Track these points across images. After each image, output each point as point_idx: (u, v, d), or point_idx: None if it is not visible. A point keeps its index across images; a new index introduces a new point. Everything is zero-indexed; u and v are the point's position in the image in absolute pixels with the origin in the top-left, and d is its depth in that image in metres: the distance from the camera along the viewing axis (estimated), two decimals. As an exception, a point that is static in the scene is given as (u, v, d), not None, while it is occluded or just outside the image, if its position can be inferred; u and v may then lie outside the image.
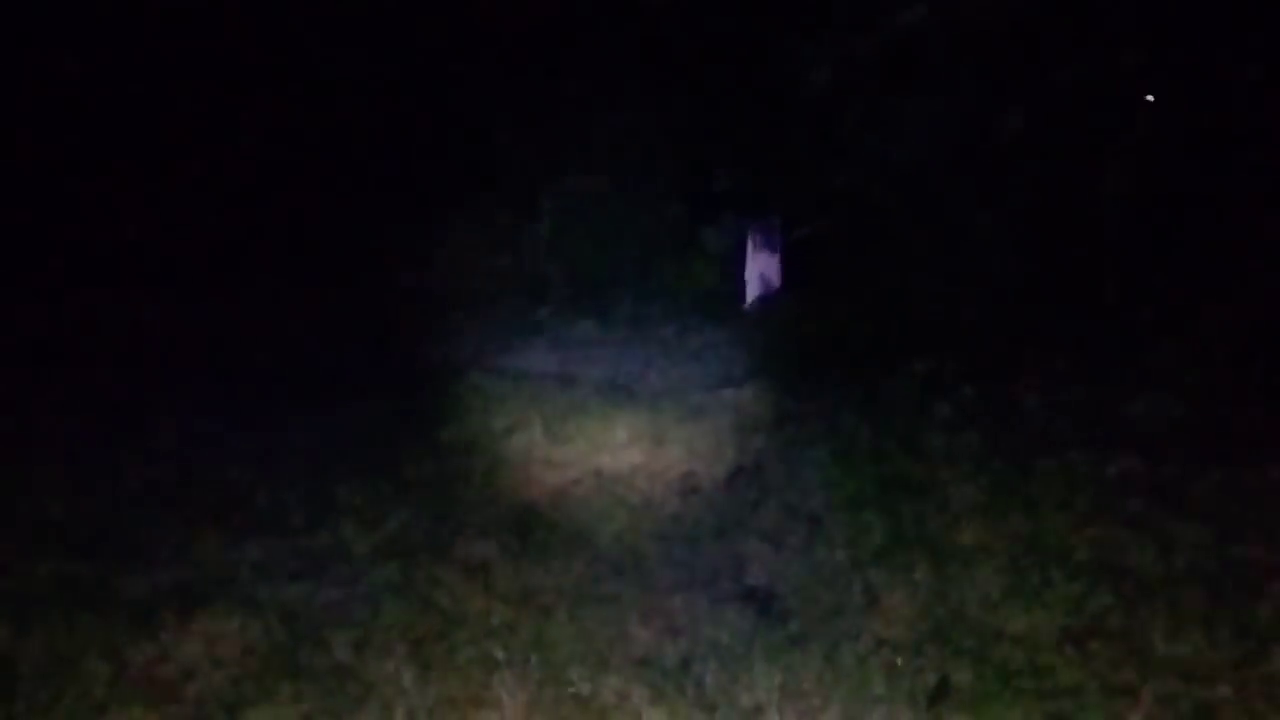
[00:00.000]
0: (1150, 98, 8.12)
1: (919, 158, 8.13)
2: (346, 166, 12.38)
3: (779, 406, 7.24)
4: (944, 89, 7.96)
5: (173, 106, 11.53)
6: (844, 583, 4.90)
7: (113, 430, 7.31)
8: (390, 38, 11.91)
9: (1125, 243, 8.12)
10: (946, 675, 4.06)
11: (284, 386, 8.33)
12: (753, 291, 10.91)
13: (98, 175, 11.44)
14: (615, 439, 6.81)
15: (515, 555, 5.36)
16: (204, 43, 11.41)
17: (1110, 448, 6.13)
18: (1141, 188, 8.04)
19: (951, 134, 8.02)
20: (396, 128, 12.70)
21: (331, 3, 11.73)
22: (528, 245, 12.45)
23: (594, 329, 10.72)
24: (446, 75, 12.41)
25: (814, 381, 7.71)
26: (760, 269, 10.94)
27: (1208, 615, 4.47)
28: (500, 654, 4.32)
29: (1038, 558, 5.00)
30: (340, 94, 11.82)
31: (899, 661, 4.17)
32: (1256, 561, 4.91)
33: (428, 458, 6.69)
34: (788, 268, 10.85)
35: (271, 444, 7.04)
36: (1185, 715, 3.80)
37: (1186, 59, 7.55)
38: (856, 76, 7.76)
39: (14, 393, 8.04)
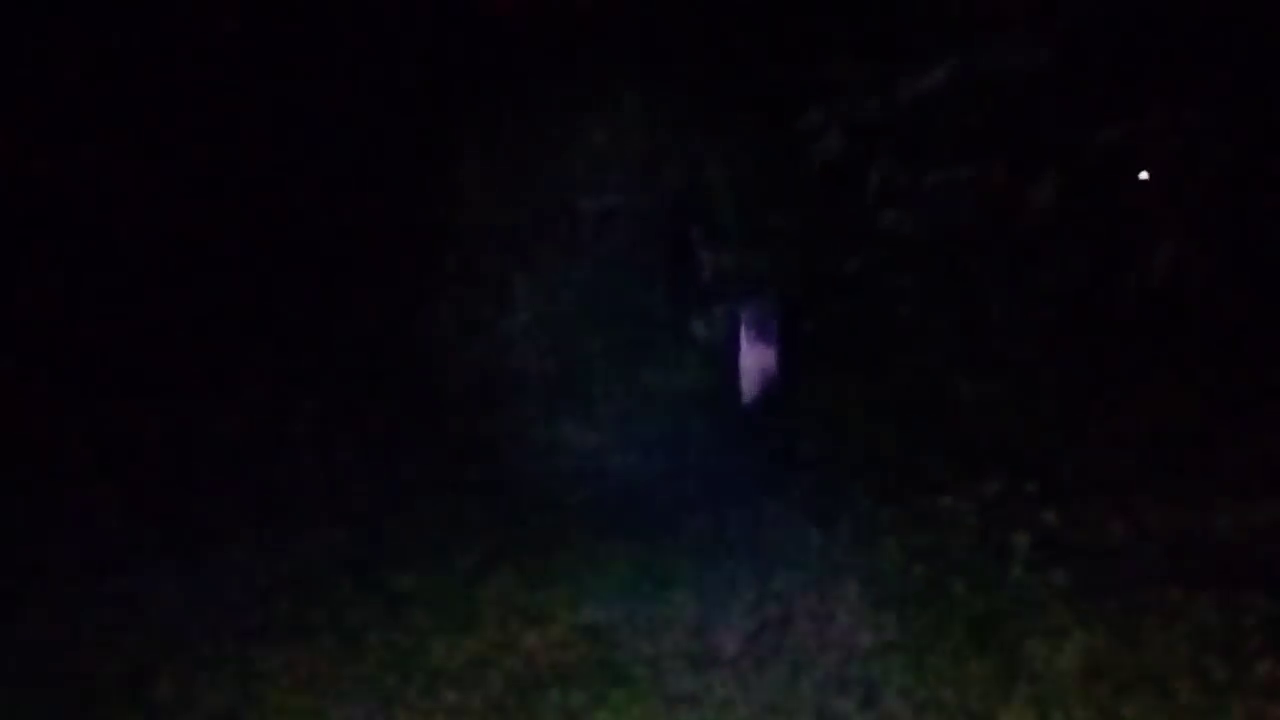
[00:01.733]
0: (1144, 175, 6.94)
1: (941, 234, 6.88)
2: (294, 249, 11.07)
3: (799, 536, 5.87)
4: (968, 156, 6.74)
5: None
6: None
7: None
8: (344, 121, 10.66)
9: (1180, 329, 6.87)
10: None
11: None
12: (749, 388, 9.62)
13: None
14: (607, 585, 5.40)
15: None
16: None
17: (1217, 584, 4.80)
18: (1193, 266, 6.80)
19: (976, 207, 6.79)
20: (360, 209, 11.40)
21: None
22: (504, 338, 11.12)
23: (575, 433, 9.38)
24: (413, 146, 11.17)
25: (834, 501, 6.36)
26: (756, 362, 9.67)
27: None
28: None
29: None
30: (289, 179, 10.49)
31: None
32: None
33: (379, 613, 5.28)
34: (787, 360, 9.59)
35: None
36: None
37: (1245, 116, 6.36)
38: (870, 144, 6.53)
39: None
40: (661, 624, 4.97)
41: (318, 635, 5.09)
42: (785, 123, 7.29)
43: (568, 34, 9.94)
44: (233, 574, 5.92)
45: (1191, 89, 6.41)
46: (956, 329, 7.24)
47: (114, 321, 9.83)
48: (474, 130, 10.79)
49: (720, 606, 5.06)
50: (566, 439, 9.43)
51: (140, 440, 8.74)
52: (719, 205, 10.01)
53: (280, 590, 5.67)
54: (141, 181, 10.17)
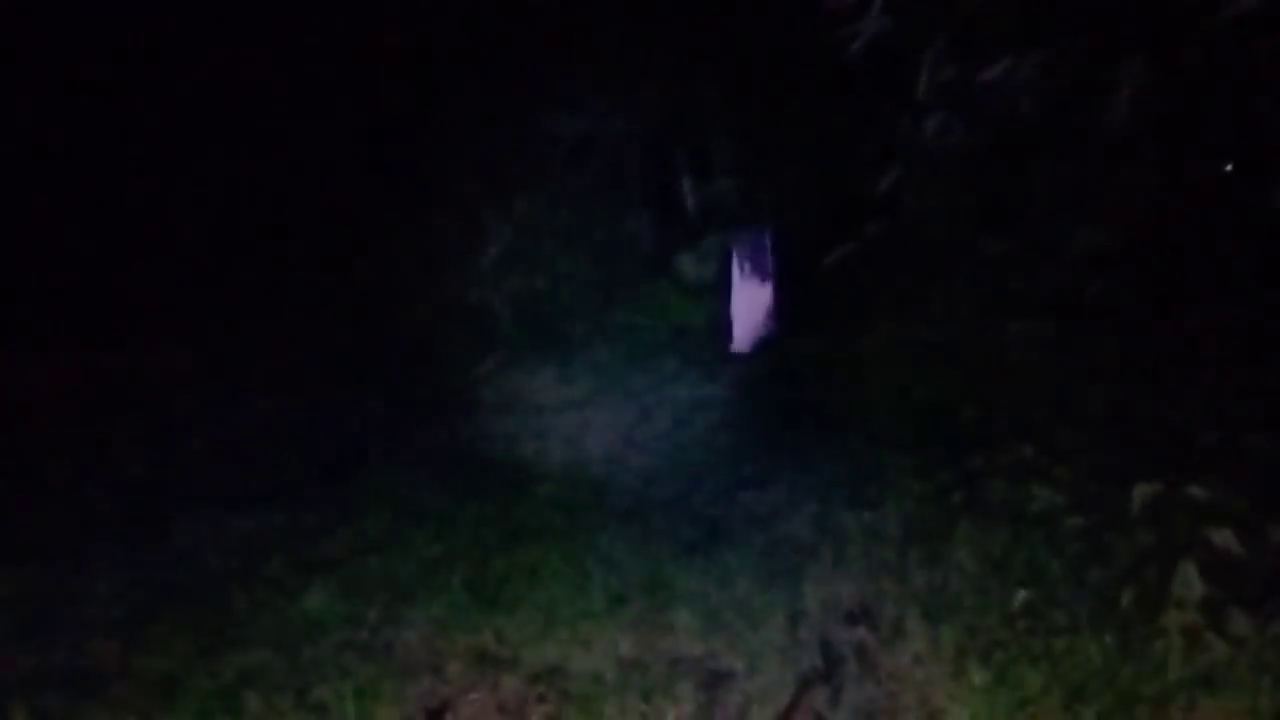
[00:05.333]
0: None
1: (998, 143, 5.09)
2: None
3: (824, 520, 4.15)
4: (1038, 39, 4.93)
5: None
6: None
7: None
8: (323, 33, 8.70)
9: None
10: None
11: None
12: (741, 331, 7.86)
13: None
14: (590, 611, 3.65)
15: None
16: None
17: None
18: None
19: (1044, 105, 4.97)
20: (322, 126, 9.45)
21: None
22: (471, 275, 9.26)
23: (549, 384, 7.59)
24: (379, 70, 9.22)
25: (857, 471, 4.63)
26: (749, 301, 7.91)
27: None
28: None
29: None
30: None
31: None
32: None
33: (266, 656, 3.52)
34: (789, 299, 7.84)
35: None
36: None
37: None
38: (928, 21, 4.71)
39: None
40: (664, 681, 3.24)
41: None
42: (806, 10, 5.38)
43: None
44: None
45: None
46: (1011, 260, 5.45)
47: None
48: (445, 49, 8.91)
49: (727, 640, 3.35)
50: (537, 392, 7.67)
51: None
52: (710, 124, 8.18)
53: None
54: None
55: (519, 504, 4.81)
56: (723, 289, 8.15)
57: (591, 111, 8.64)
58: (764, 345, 7.81)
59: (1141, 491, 3.46)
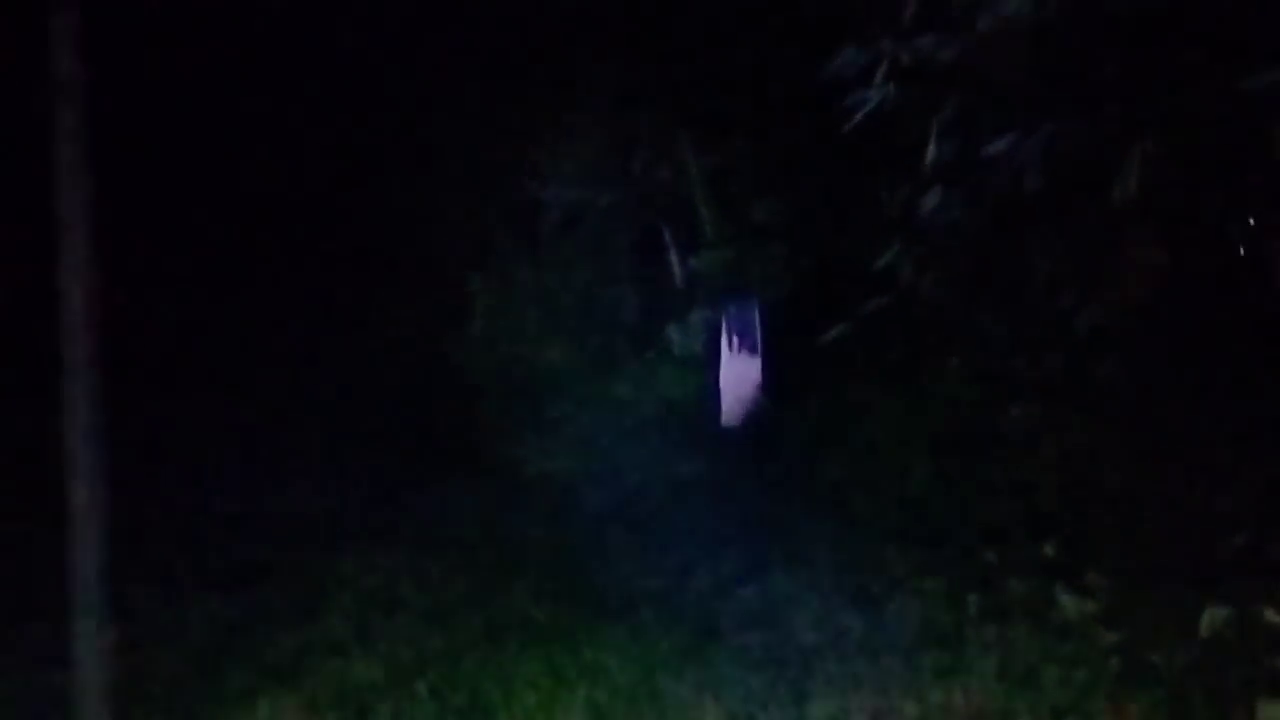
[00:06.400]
0: None
1: (1000, 219, 4.78)
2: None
3: (826, 620, 3.73)
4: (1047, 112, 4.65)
5: None
6: None
7: None
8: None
9: None
10: None
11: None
12: (729, 405, 7.50)
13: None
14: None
15: None
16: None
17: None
18: None
19: (1049, 181, 4.66)
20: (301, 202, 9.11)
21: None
22: (457, 344, 8.88)
23: (534, 456, 7.18)
24: (367, 136, 8.94)
25: (858, 563, 4.23)
26: (738, 375, 7.56)
27: None
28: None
29: None
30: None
31: None
32: None
33: None
34: (776, 373, 7.49)
35: None
36: None
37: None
38: (935, 92, 4.42)
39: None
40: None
41: None
42: (799, 81, 5.12)
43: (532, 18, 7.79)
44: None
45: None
46: (1012, 338, 5.12)
47: None
48: (437, 116, 8.65)
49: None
50: (524, 462, 7.26)
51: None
52: (699, 195, 7.89)
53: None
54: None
55: (497, 594, 4.39)
56: (711, 362, 7.82)
57: (580, 181, 8.36)
58: (752, 419, 7.45)
59: (1213, 616, 2.99)
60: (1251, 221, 4.93)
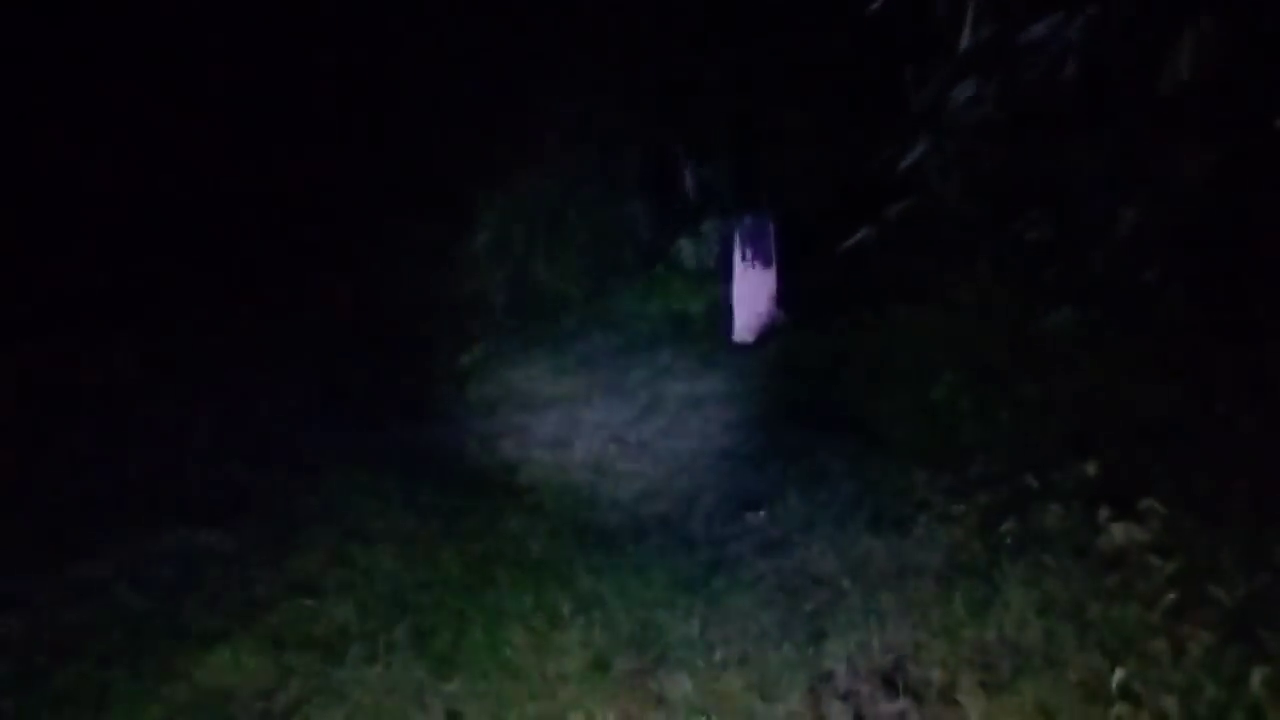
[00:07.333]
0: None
1: (1037, 115, 4.27)
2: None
3: (844, 547, 3.35)
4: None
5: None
6: None
7: None
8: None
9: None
10: None
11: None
12: (743, 320, 7.07)
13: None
14: (564, 674, 2.85)
15: None
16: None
17: None
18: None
19: (1088, 74, 4.14)
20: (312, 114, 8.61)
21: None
22: (464, 261, 8.44)
23: (541, 376, 6.79)
24: (369, 54, 8.40)
25: (879, 486, 3.83)
26: (751, 289, 7.11)
27: None
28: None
29: None
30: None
31: None
32: None
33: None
34: (790, 287, 7.04)
35: None
36: None
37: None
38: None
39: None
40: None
41: None
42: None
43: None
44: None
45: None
46: (1047, 243, 4.64)
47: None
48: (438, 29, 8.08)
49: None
50: (527, 385, 6.88)
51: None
52: (710, 103, 7.35)
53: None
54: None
55: (492, 523, 4.04)
56: (723, 276, 7.37)
57: (587, 93, 7.81)
58: (767, 335, 7.03)
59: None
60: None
